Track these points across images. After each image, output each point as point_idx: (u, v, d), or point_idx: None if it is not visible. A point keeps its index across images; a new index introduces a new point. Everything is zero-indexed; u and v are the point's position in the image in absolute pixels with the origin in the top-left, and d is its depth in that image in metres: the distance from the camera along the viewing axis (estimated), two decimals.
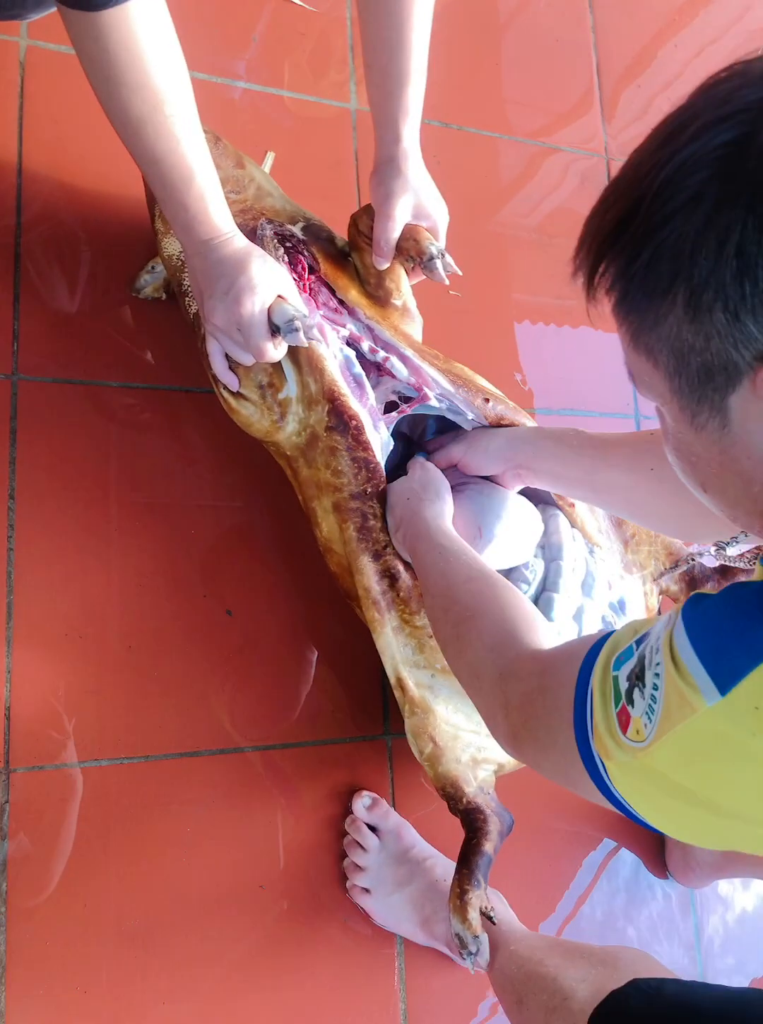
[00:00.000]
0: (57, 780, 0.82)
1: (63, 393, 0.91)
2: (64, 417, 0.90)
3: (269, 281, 0.76)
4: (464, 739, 0.82)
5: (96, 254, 0.95)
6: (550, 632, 0.63)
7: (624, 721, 0.46)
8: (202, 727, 0.88)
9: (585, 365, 1.19)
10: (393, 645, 0.82)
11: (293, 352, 0.81)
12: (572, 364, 1.19)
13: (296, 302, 0.78)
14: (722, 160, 0.37)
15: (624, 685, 0.47)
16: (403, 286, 0.90)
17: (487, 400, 0.89)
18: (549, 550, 0.89)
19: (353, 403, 0.83)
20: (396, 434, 0.91)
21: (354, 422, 0.82)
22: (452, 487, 0.85)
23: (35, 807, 0.81)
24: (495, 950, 0.79)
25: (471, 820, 0.79)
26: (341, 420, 0.81)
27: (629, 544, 0.94)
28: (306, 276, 0.86)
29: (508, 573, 0.87)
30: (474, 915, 0.76)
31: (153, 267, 0.94)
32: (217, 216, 0.75)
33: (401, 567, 0.82)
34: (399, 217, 0.84)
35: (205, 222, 0.75)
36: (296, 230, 0.89)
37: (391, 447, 0.87)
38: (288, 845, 0.89)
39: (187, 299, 0.86)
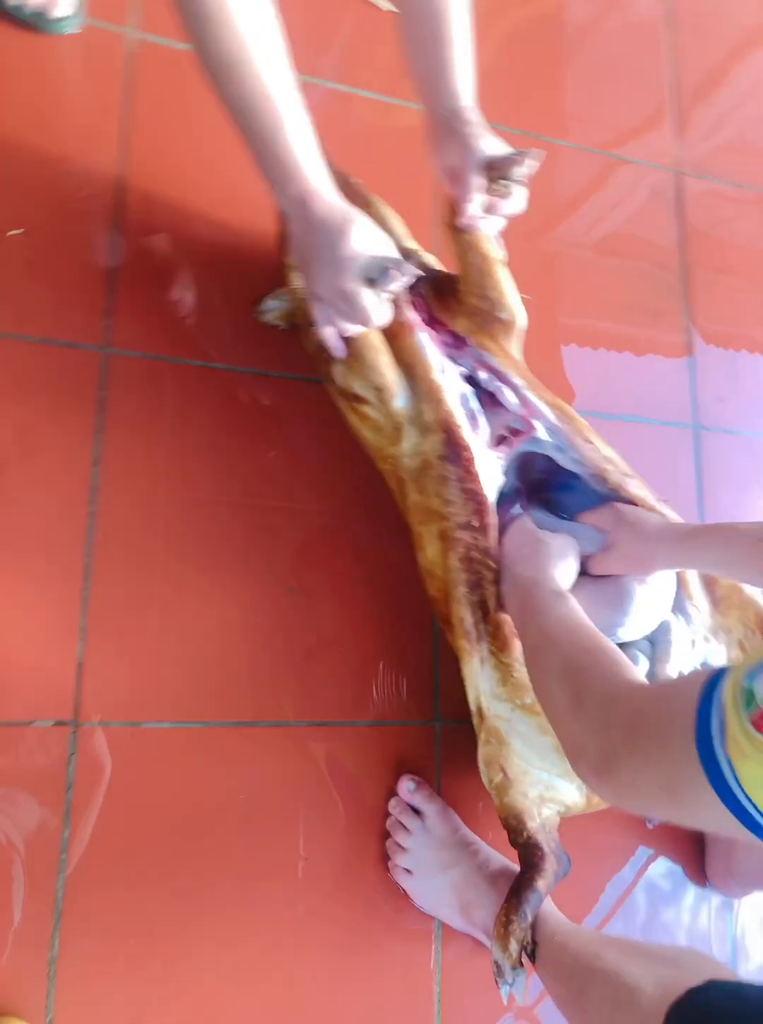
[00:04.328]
0: (121, 738, 0.86)
1: (155, 369, 0.95)
2: (155, 394, 0.94)
3: (369, 249, 0.74)
4: (534, 775, 0.83)
5: (191, 239, 0.99)
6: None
7: (759, 723, 0.46)
8: (258, 698, 0.91)
9: (639, 380, 1.20)
10: (479, 675, 0.84)
11: (412, 379, 0.83)
12: (623, 380, 1.19)
13: (390, 252, 0.77)
14: None
15: (760, 692, 0.47)
16: (506, 295, 0.86)
17: (589, 441, 0.90)
18: (657, 648, 0.89)
19: (467, 434, 0.84)
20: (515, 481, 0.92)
21: (467, 453, 0.84)
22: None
23: (99, 762, 0.84)
24: (542, 942, 0.79)
25: (529, 855, 0.81)
26: (454, 450, 0.83)
27: (718, 606, 0.92)
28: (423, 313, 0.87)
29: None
30: (515, 947, 0.77)
31: (283, 293, 0.94)
32: (310, 171, 0.72)
33: (495, 601, 0.84)
34: (479, 152, 0.78)
35: (297, 176, 0.72)
36: None
37: (502, 484, 0.88)
38: (334, 820, 0.91)
39: (313, 329, 0.85)
